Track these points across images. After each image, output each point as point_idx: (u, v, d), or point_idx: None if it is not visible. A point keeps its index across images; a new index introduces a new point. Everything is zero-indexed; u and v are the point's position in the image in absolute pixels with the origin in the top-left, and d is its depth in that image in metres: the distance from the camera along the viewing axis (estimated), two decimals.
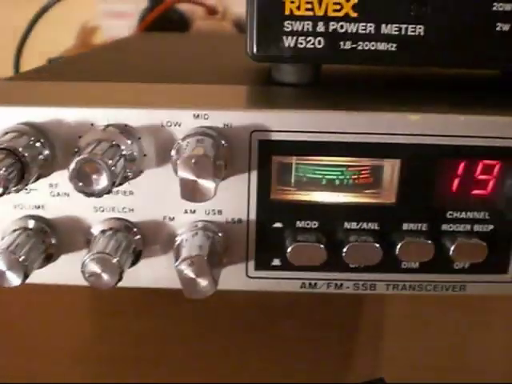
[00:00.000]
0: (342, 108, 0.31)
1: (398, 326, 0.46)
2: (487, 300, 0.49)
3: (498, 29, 0.30)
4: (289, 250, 0.32)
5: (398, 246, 0.32)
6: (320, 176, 0.32)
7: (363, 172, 0.32)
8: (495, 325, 0.47)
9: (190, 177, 0.28)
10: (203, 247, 0.30)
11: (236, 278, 0.33)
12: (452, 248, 0.32)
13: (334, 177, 0.32)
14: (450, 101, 0.34)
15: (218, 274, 0.31)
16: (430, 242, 0.32)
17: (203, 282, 0.30)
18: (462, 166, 0.32)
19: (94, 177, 0.28)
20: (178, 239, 0.32)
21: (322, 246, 0.32)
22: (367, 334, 0.45)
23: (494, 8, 0.30)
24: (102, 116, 0.30)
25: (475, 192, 0.32)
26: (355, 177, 0.32)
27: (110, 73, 0.42)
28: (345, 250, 0.32)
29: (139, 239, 0.32)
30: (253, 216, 0.32)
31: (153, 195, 0.32)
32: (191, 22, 0.79)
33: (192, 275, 0.30)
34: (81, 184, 0.28)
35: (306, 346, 0.43)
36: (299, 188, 0.32)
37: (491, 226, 0.33)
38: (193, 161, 0.28)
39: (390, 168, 0.32)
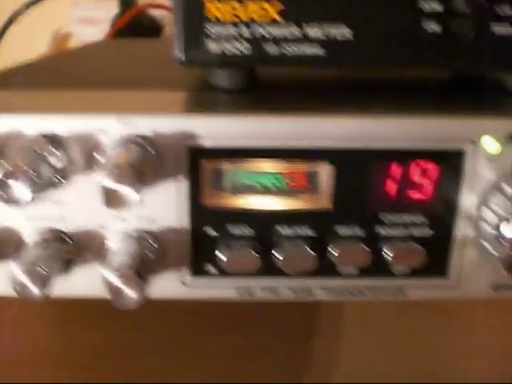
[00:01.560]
0: (274, 113, 0.31)
1: (354, 332, 0.46)
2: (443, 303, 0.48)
3: (425, 28, 0.30)
4: (222, 257, 0.31)
5: (334, 252, 0.32)
6: (254, 181, 0.32)
7: (298, 177, 0.32)
8: (453, 329, 0.46)
9: (111, 185, 0.28)
10: (133, 256, 0.30)
11: (172, 286, 0.33)
12: (389, 253, 0.32)
13: (269, 182, 0.32)
14: (387, 103, 0.33)
15: (148, 283, 0.31)
16: (366, 247, 0.32)
17: (131, 293, 0.29)
18: (397, 169, 0.32)
19: (16, 186, 0.28)
20: (109, 248, 0.32)
21: (255, 252, 0.31)
22: (322, 341, 0.45)
23: (422, 8, 0.29)
24: (29, 124, 0.30)
25: (412, 196, 0.32)
26: (290, 182, 0.32)
27: (60, 80, 0.42)
28: (279, 256, 0.31)
29: (71, 248, 0.32)
30: (186, 223, 0.32)
31: (83, 204, 0.31)
32: (162, 26, 0.78)
33: (119, 285, 0.29)
34: (1, 193, 0.28)
35: (257, 354, 0.43)
36: (233, 194, 0.32)
37: (429, 230, 0.32)
38: (114, 169, 0.27)
39: (325, 173, 0.31)
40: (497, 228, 0.30)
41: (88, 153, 0.31)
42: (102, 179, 0.27)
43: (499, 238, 0.30)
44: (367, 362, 0.43)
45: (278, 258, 0.31)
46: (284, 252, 0.31)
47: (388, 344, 0.45)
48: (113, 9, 0.78)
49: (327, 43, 0.29)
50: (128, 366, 0.42)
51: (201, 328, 0.46)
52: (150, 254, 0.31)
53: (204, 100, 0.33)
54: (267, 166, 0.31)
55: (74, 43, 0.82)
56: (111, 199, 0.28)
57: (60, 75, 0.44)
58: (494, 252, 0.31)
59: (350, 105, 0.33)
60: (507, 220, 0.30)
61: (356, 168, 0.31)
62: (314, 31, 0.29)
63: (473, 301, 0.34)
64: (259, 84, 0.36)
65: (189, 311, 0.45)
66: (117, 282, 0.29)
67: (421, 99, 0.34)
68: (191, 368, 0.42)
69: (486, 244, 0.32)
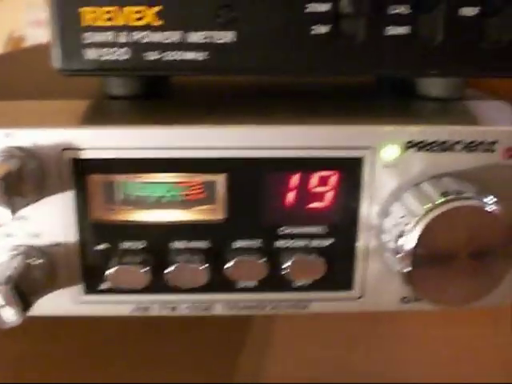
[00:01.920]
0: (166, 122, 0.29)
1: (285, 339, 0.45)
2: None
3: (314, 32, 0.28)
4: (109, 273, 0.30)
5: (229, 265, 0.30)
6: (147, 193, 0.30)
7: (193, 188, 0.31)
8: (385, 335, 0.45)
9: None
10: (16, 273, 0.29)
11: (65, 303, 0.31)
12: (287, 265, 0.31)
13: (162, 194, 0.30)
14: (290, 111, 0.32)
15: (34, 300, 0.29)
16: (262, 259, 0.30)
17: (9, 312, 0.28)
18: (296, 178, 0.30)
19: None
20: None
21: (148, 267, 0.30)
22: (251, 351, 0.44)
23: (309, 9, 0.28)
24: None
25: (311, 205, 0.31)
26: (184, 193, 0.31)
27: None
28: (169, 271, 0.30)
29: None
30: (74, 238, 0.30)
31: None
32: None
33: None
34: None
35: (186, 364, 0.42)
36: (126, 207, 0.30)
37: (330, 241, 0.31)
38: None
39: (221, 184, 0.30)
40: (395, 240, 0.29)
41: None
42: None
43: (397, 249, 0.29)
44: (297, 371, 0.42)
45: (169, 273, 0.30)
46: (175, 266, 0.30)
47: (319, 353, 0.44)
48: None
49: (210, 48, 0.28)
50: (52, 377, 0.41)
51: (129, 338, 0.45)
52: (37, 271, 0.30)
53: (96, 109, 0.32)
54: (160, 176, 0.30)
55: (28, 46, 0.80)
56: None
57: None
58: (394, 265, 0.30)
59: (251, 113, 0.31)
60: (404, 232, 0.28)
61: (253, 178, 0.30)
62: (195, 35, 0.28)
63: (380, 313, 0.33)
64: (169, 89, 0.35)
65: (114, 322, 0.44)
66: None
67: (326, 106, 0.33)
68: (119, 378, 0.41)
69: (387, 255, 0.30)
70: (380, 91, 0.36)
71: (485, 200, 0.28)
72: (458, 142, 0.30)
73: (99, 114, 0.31)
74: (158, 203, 0.30)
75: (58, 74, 0.29)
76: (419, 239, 0.28)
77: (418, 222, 0.28)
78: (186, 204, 0.30)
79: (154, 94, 0.33)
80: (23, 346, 0.43)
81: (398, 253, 0.29)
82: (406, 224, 0.29)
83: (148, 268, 0.30)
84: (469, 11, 0.29)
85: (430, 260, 0.28)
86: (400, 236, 0.29)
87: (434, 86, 0.33)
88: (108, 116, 0.31)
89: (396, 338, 0.46)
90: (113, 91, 0.32)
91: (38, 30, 0.79)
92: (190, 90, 0.36)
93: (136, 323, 0.43)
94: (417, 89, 0.33)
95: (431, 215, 0.28)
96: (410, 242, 0.28)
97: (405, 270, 0.29)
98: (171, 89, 0.35)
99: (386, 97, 0.35)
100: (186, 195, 0.30)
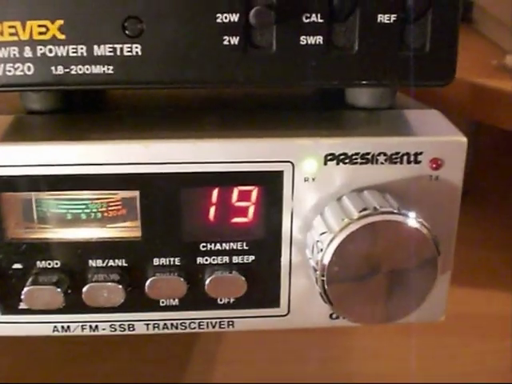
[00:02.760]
0: (78, 138, 0.29)
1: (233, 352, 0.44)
2: None
3: (225, 42, 0.27)
4: (24, 293, 0.29)
5: (147, 283, 0.30)
6: (63, 211, 0.30)
7: (111, 205, 0.30)
8: (337, 346, 0.44)
9: None
10: None
11: None
12: (206, 282, 0.30)
13: (79, 211, 0.30)
14: (214, 123, 0.31)
15: None
16: (180, 277, 0.30)
17: None
18: (216, 193, 0.29)
19: None
20: None
21: (58, 288, 0.29)
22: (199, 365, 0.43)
23: (219, 20, 0.27)
24: None
25: (231, 221, 0.30)
26: (103, 210, 0.30)
27: None
28: (85, 290, 0.29)
29: None
30: None
31: None
32: None
33: None
34: None
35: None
36: (42, 225, 0.30)
37: (252, 257, 0.30)
38: None
39: (138, 200, 0.29)
40: (316, 255, 0.28)
41: None
42: None
43: (316, 267, 0.28)
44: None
45: (85, 292, 0.29)
46: (91, 286, 0.29)
47: (266, 366, 0.43)
48: None
49: (116, 61, 0.27)
50: None
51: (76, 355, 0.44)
52: None
53: (12, 125, 0.31)
54: (76, 194, 0.29)
55: None
56: None
57: None
58: (314, 282, 0.29)
59: (169, 126, 0.30)
60: (322, 250, 0.28)
61: (169, 194, 0.29)
62: (100, 49, 0.27)
63: (308, 329, 0.32)
64: (91, 102, 0.34)
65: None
66: None
67: (248, 118, 0.32)
68: None
69: (310, 272, 0.30)
70: (310, 101, 0.35)
71: (405, 214, 0.27)
72: (380, 154, 0.29)
73: (14, 130, 0.30)
74: (75, 221, 0.30)
75: None
76: (334, 256, 0.27)
77: (333, 238, 0.27)
78: (103, 221, 0.30)
79: (74, 108, 0.32)
80: None
81: (316, 269, 0.28)
82: (324, 240, 0.28)
83: (64, 288, 0.29)
84: (386, 18, 0.28)
85: (346, 277, 0.27)
86: (319, 252, 0.28)
87: (361, 95, 0.32)
88: (25, 132, 0.30)
89: (348, 350, 0.45)
90: (30, 106, 0.31)
91: None
92: (111, 102, 0.36)
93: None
94: (346, 98, 0.32)
95: (347, 231, 0.27)
96: (325, 258, 0.27)
97: (322, 288, 0.28)
98: (93, 102, 0.34)
99: (314, 108, 0.34)
100: (104, 212, 0.30)
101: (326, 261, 0.27)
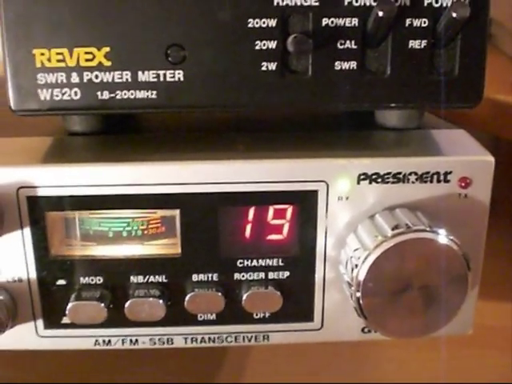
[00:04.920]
0: (118, 160, 0.30)
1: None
2: None
3: (263, 68, 0.29)
4: (68, 308, 0.30)
5: (186, 298, 0.31)
6: (105, 229, 0.31)
7: (151, 223, 0.31)
8: (371, 360, 0.45)
9: None
10: None
11: (26, 337, 0.32)
12: (244, 298, 0.31)
13: (121, 229, 0.31)
14: (249, 146, 0.32)
15: None
16: (218, 292, 0.31)
17: None
18: (252, 212, 0.31)
19: None
20: None
21: (101, 303, 0.30)
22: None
23: (258, 47, 0.28)
24: None
25: (267, 238, 0.31)
26: (143, 228, 0.31)
27: None
28: (127, 305, 0.30)
29: None
30: (33, 274, 0.31)
31: None
32: None
33: None
34: None
35: None
36: (84, 243, 0.31)
37: (287, 273, 0.31)
38: None
39: (178, 219, 0.30)
40: (350, 272, 0.29)
41: None
42: None
43: (350, 284, 0.29)
44: None
45: (127, 308, 0.30)
46: (133, 301, 0.30)
47: (302, 377, 0.44)
48: None
49: (160, 86, 0.28)
50: None
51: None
52: None
53: (54, 147, 0.32)
54: (118, 212, 0.30)
55: None
56: None
57: None
58: (349, 297, 0.30)
59: (207, 148, 0.32)
60: (357, 265, 0.29)
61: (207, 213, 0.30)
62: (144, 75, 0.28)
63: (342, 342, 0.33)
64: (129, 125, 0.36)
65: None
66: None
67: (283, 140, 0.33)
68: None
69: (344, 287, 0.31)
70: (341, 122, 0.36)
71: (436, 232, 0.28)
72: (411, 173, 0.30)
73: (58, 152, 0.32)
74: (117, 238, 0.31)
75: (15, 114, 0.29)
76: (369, 272, 0.28)
77: (368, 255, 0.28)
78: (144, 239, 0.31)
79: (114, 129, 0.33)
80: None
81: (351, 285, 0.29)
82: (359, 257, 0.29)
83: (107, 303, 0.30)
84: (417, 44, 0.29)
85: (380, 292, 0.28)
86: (353, 269, 0.29)
87: (390, 116, 0.33)
88: (67, 153, 0.32)
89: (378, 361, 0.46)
90: (72, 128, 0.33)
91: None
92: (148, 125, 0.37)
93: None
94: (375, 119, 0.34)
95: (381, 248, 0.28)
96: (360, 274, 0.28)
97: (357, 303, 0.29)
98: (131, 123, 0.36)
99: (346, 128, 0.35)
100: (145, 230, 0.31)
101: (362, 277, 0.28)
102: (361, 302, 0.29)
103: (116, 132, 0.33)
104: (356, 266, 0.29)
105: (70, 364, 0.45)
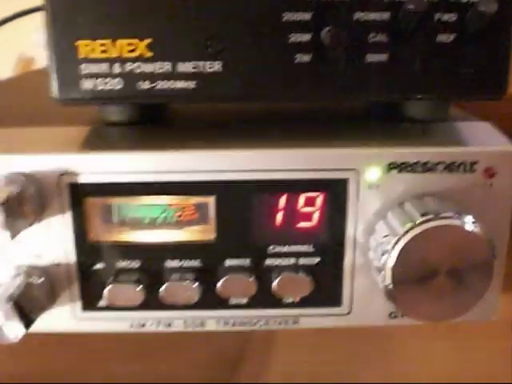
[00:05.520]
0: (156, 147, 0.31)
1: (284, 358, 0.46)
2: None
3: (298, 60, 0.30)
4: (105, 291, 0.31)
5: (219, 283, 0.32)
6: (142, 215, 0.32)
7: (185, 209, 0.32)
8: (391, 352, 0.46)
9: None
10: (16, 292, 0.30)
11: (64, 319, 0.33)
12: (275, 282, 0.32)
13: (156, 215, 0.32)
14: (281, 135, 0.33)
15: (34, 317, 0.31)
16: (251, 277, 0.32)
17: (11, 327, 0.30)
18: (284, 200, 0.32)
19: None
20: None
21: (142, 285, 0.31)
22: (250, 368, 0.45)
23: (292, 39, 0.29)
24: None
25: (299, 225, 0.32)
26: (178, 214, 0.32)
27: None
28: (163, 289, 0.32)
29: None
30: (72, 258, 0.32)
31: None
32: None
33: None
34: None
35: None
36: (121, 228, 0.32)
37: (317, 259, 0.32)
38: None
39: (212, 205, 0.32)
40: (379, 258, 0.30)
41: None
42: None
43: (380, 267, 0.30)
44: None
45: (162, 291, 0.31)
46: (168, 284, 0.31)
47: (319, 370, 0.45)
48: None
49: (198, 77, 0.30)
50: None
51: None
52: (38, 290, 0.31)
53: (93, 136, 0.33)
54: (154, 199, 0.32)
55: (36, 68, 0.83)
56: None
57: None
58: (378, 282, 0.31)
59: (241, 137, 0.33)
60: (387, 251, 0.30)
61: (241, 200, 0.31)
62: (184, 65, 0.29)
63: (370, 328, 0.34)
64: (164, 115, 0.37)
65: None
66: None
67: (314, 130, 0.34)
68: None
69: (373, 273, 0.32)
70: (370, 114, 0.37)
71: (463, 219, 0.29)
72: (439, 163, 0.31)
73: (96, 140, 0.33)
74: (153, 224, 0.32)
75: (57, 104, 0.30)
76: (399, 257, 0.29)
77: (398, 241, 0.29)
78: (179, 225, 0.32)
79: (150, 120, 0.35)
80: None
81: (380, 270, 0.30)
82: (388, 243, 0.30)
83: (143, 286, 0.32)
84: (446, 37, 0.30)
85: (410, 277, 0.29)
86: (383, 254, 0.30)
87: (418, 108, 0.34)
88: (105, 142, 0.33)
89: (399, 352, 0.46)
90: (110, 118, 0.34)
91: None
92: (183, 116, 0.38)
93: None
94: (403, 112, 0.35)
95: (411, 234, 0.29)
96: (390, 260, 0.29)
97: (386, 287, 0.30)
98: (166, 115, 0.37)
99: (374, 120, 0.36)
100: (180, 216, 0.32)
101: (391, 262, 0.29)
102: (390, 286, 0.30)
103: (151, 122, 0.35)
104: (386, 251, 0.30)
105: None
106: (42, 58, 0.83)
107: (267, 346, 0.46)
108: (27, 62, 0.83)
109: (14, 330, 0.30)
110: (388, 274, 0.29)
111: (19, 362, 0.45)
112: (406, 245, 0.29)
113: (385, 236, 0.30)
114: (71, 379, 0.44)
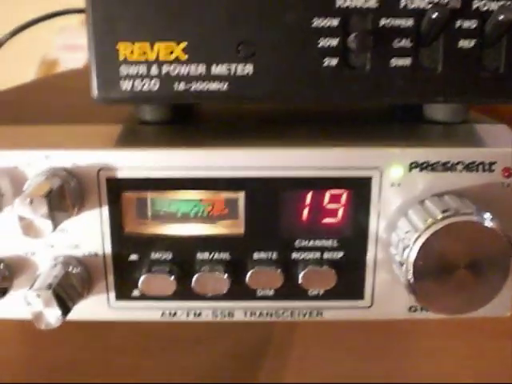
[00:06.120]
0: (189, 145, 0.33)
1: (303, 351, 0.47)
2: (396, 323, 0.49)
3: (325, 64, 0.31)
4: (140, 281, 0.33)
5: (248, 275, 0.33)
6: (175, 209, 0.34)
7: (216, 204, 0.34)
8: (403, 349, 0.47)
9: (26, 215, 0.30)
10: (55, 279, 0.32)
11: (98, 308, 0.35)
12: (301, 275, 0.33)
13: (188, 210, 0.34)
14: (305, 134, 0.35)
15: (71, 305, 0.32)
16: (278, 270, 0.33)
17: (50, 314, 0.31)
18: (310, 196, 0.33)
19: None
20: (38, 272, 0.34)
21: (174, 276, 0.33)
22: (272, 361, 0.46)
23: (320, 44, 0.31)
24: None
25: (324, 221, 0.34)
26: (209, 209, 0.34)
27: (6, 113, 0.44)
28: (194, 279, 0.33)
29: (5, 273, 0.34)
30: (108, 250, 0.34)
31: (13, 232, 0.33)
32: None
33: (39, 307, 0.31)
34: None
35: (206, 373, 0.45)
36: (155, 221, 0.34)
37: (341, 253, 0.34)
38: (28, 200, 0.30)
39: (241, 201, 0.33)
40: (401, 253, 0.32)
41: (16, 185, 0.33)
42: (17, 209, 0.30)
43: (402, 263, 0.32)
44: (316, 381, 0.44)
45: (193, 282, 0.33)
46: (199, 275, 0.33)
47: (340, 365, 0.46)
48: None
49: (231, 79, 0.31)
50: None
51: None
52: (75, 278, 0.33)
53: (129, 133, 0.35)
54: (187, 194, 0.33)
55: (60, 70, 0.85)
56: (27, 228, 0.30)
57: (14, 109, 0.46)
58: (399, 276, 0.32)
59: (268, 136, 0.34)
60: (409, 245, 0.31)
61: (269, 196, 0.33)
62: (218, 68, 0.31)
63: (391, 321, 0.35)
64: (196, 115, 0.38)
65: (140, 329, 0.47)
66: (37, 303, 0.31)
67: (338, 130, 0.36)
68: None
69: (394, 267, 0.33)
70: (392, 116, 0.39)
71: (483, 216, 0.31)
72: (458, 163, 0.32)
73: (132, 138, 0.35)
74: (185, 218, 0.33)
75: (97, 103, 0.32)
76: (420, 252, 0.30)
77: (419, 236, 0.31)
78: (210, 219, 0.34)
79: (181, 119, 0.36)
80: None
81: (402, 264, 0.31)
82: (410, 238, 0.31)
83: (174, 277, 0.33)
84: (466, 43, 0.31)
85: (430, 271, 0.31)
86: (404, 249, 0.31)
87: (438, 111, 0.35)
88: (140, 139, 0.35)
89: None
90: (144, 117, 0.36)
91: (70, 54, 0.83)
92: (213, 116, 0.40)
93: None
94: (424, 114, 0.36)
95: (431, 230, 0.30)
96: (412, 254, 0.31)
97: (408, 281, 0.31)
98: (196, 115, 0.38)
99: (396, 122, 0.37)
100: (210, 211, 0.34)
101: (413, 256, 0.31)
102: (411, 280, 0.31)
103: (182, 122, 0.36)
104: (407, 246, 0.31)
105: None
106: (64, 60, 0.85)
107: (286, 342, 0.47)
108: (50, 64, 0.86)
109: (53, 317, 0.32)
110: (409, 267, 0.31)
111: (45, 353, 0.46)
112: (426, 240, 0.31)
113: (406, 232, 0.32)
114: (95, 370, 0.45)
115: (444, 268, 0.31)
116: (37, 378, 0.44)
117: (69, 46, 0.84)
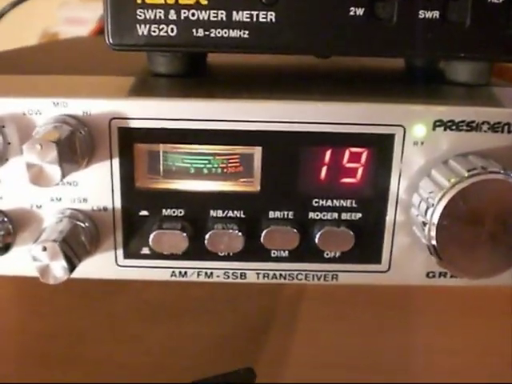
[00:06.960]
0: (203, 96, 0.31)
1: (310, 324, 0.46)
2: (404, 299, 0.48)
3: (351, 13, 0.30)
4: (151, 237, 0.32)
5: (263, 234, 0.32)
6: (188, 164, 0.32)
7: (231, 160, 0.32)
8: (411, 324, 0.46)
9: (35, 161, 0.28)
10: (62, 233, 0.31)
11: (105, 266, 0.33)
12: (317, 236, 0.32)
13: (202, 165, 0.32)
14: (326, 90, 0.34)
15: (78, 261, 0.31)
16: (294, 229, 0.32)
17: (57, 266, 0.30)
18: (328, 153, 0.32)
19: None
20: (44, 227, 0.32)
21: (186, 233, 0.32)
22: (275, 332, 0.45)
23: None
24: None
25: (342, 180, 0.32)
26: (223, 165, 0.32)
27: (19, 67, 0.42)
28: (207, 236, 0.32)
29: (8, 227, 0.33)
30: (118, 204, 0.32)
31: (19, 183, 0.32)
32: None
33: (45, 260, 0.30)
34: None
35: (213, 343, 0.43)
36: (167, 176, 0.32)
37: (359, 214, 0.33)
38: (37, 146, 0.28)
39: (257, 156, 0.32)
40: (424, 213, 0.31)
41: (23, 133, 0.31)
42: (25, 155, 0.28)
43: (425, 223, 0.30)
44: (322, 354, 0.43)
45: (207, 239, 0.32)
46: (213, 232, 0.32)
47: (347, 338, 0.45)
48: (100, 9, 0.78)
49: (252, 27, 0.30)
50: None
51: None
52: (82, 233, 0.32)
53: (142, 84, 0.34)
54: (200, 148, 0.32)
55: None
56: (35, 175, 0.29)
57: (23, 62, 0.44)
58: (421, 237, 0.31)
59: (287, 90, 0.33)
60: (433, 205, 0.30)
61: (287, 152, 0.32)
62: (238, 15, 0.30)
63: (408, 287, 0.34)
64: (208, 70, 0.37)
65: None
66: (42, 257, 0.30)
67: (359, 86, 0.34)
68: (145, 353, 0.43)
69: (415, 229, 0.32)
70: (413, 76, 0.38)
71: (510, 175, 0.30)
72: (484, 123, 0.31)
73: (145, 88, 0.33)
74: (198, 174, 0.32)
75: (111, 49, 0.30)
76: (444, 212, 0.29)
77: (444, 195, 0.30)
78: (224, 175, 0.32)
79: (195, 73, 0.35)
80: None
81: (425, 225, 0.30)
82: (434, 197, 0.30)
83: (186, 234, 0.32)
84: None
85: (453, 232, 0.30)
86: (428, 209, 0.30)
87: (461, 71, 0.34)
88: (153, 90, 0.33)
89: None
90: (157, 69, 0.34)
91: (71, 28, 0.82)
92: (227, 70, 0.38)
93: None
94: (445, 75, 0.35)
95: (457, 188, 0.29)
96: (436, 214, 0.30)
97: (431, 242, 0.30)
98: (210, 69, 0.37)
99: (418, 82, 0.36)
100: (225, 167, 0.32)
101: (437, 216, 0.30)
102: (434, 240, 0.30)
103: (195, 75, 0.35)
104: (431, 205, 0.30)
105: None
106: (65, 33, 0.84)
107: (291, 318, 0.46)
108: (51, 38, 0.84)
109: (59, 271, 0.30)
110: (432, 228, 0.30)
111: (46, 322, 0.45)
112: (452, 198, 0.29)
113: (430, 192, 0.31)
114: (95, 340, 0.44)
115: (469, 228, 0.30)
116: (35, 346, 0.42)
117: (70, 20, 0.83)
